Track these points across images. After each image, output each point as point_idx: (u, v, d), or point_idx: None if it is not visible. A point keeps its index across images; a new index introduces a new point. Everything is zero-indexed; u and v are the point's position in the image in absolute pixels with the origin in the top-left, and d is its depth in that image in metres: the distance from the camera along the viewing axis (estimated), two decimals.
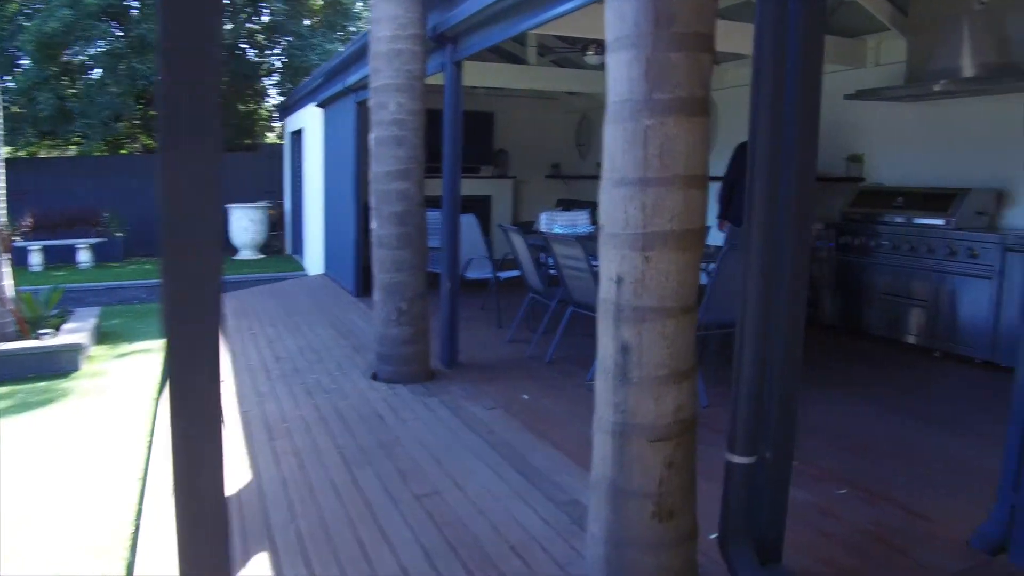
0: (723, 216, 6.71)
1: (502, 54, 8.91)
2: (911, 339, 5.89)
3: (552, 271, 5.62)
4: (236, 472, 3.45)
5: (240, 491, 3.26)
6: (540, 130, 11.17)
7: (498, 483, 3.33)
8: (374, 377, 4.93)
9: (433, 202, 5.35)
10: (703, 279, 4.20)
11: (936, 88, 5.64)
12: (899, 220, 5.98)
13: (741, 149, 6.45)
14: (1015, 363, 5.09)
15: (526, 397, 4.58)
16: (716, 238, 6.77)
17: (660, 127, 2.09)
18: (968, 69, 5.53)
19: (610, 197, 2.19)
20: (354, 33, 17.81)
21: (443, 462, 3.57)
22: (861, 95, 6.13)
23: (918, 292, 5.80)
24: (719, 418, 4.08)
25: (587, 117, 10.80)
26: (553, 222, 6.85)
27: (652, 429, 2.22)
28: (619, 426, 2.25)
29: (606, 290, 2.23)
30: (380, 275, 4.81)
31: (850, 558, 2.76)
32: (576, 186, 11.08)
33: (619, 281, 2.18)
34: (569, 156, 11.22)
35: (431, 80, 5.29)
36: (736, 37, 5.69)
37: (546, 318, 5.65)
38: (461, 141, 5.15)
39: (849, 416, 4.30)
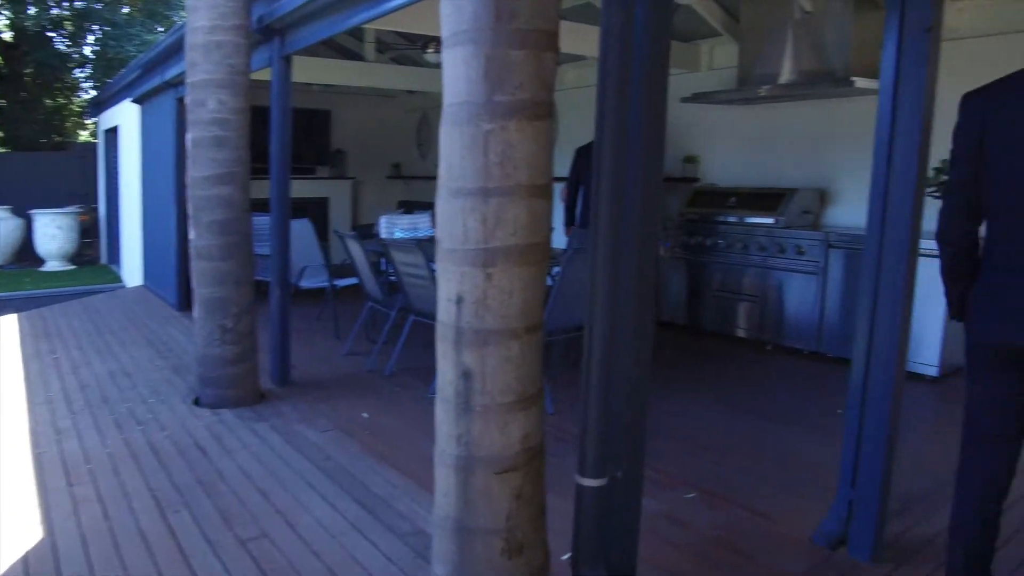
0: (570, 223, 6.67)
1: (338, 50, 8.51)
2: (745, 334, 6.12)
3: (393, 278, 5.35)
4: (23, 530, 2.95)
5: (28, 554, 2.78)
6: (380, 129, 10.80)
7: (334, 517, 3.04)
8: (196, 402, 4.46)
9: (263, 206, 4.94)
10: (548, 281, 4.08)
11: (761, 92, 5.88)
12: (732, 219, 6.19)
13: (582, 152, 6.44)
14: (841, 355, 5.39)
15: (366, 415, 4.30)
16: (559, 241, 6.75)
17: (501, 132, 1.91)
18: (790, 75, 5.79)
19: (448, 208, 1.98)
20: (178, 24, 16.61)
21: (272, 497, 3.23)
22: (696, 98, 6.30)
23: (751, 288, 6.03)
24: (566, 425, 4.00)
25: (427, 116, 10.56)
26: (394, 226, 6.57)
27: (499, 461, 2.04)
28: (462, 460, 2.05)
29: (445, 312, 2.02)
30: (200, 290, 4.35)
31: (700, 568, 2.72)
32: (418, 187, 10.82)
33: (459, 301, 1.97)
34: (410, 156, 10.94)
35: (258, 76, 4.89)
36: (577, 38, 5.66)
37: (386, 328, 5.37)
38: (291, 141, 4.77)
39: (691, 416, 4.35)
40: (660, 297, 6.62)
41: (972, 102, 2.08)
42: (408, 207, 9.35)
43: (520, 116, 1.91)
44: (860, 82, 5.19)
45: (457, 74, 1.96)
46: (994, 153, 2.00)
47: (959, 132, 2.11)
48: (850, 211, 6.00)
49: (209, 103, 4.26)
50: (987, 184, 2.04)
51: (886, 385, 2.66)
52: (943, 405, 4.73)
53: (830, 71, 5.52)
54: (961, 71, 5.08)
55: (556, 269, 4.48)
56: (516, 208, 1.92)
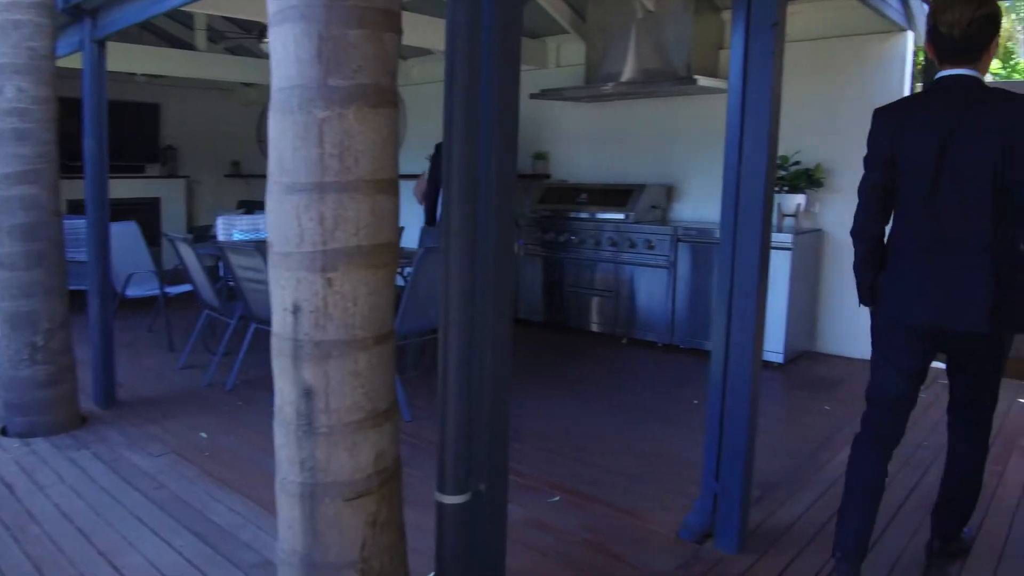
0: (431, 223, 6.42)
1: (166, 38, 7.88)
2: (600, 328, 6.16)
3: (231, 283, 4.96)
4: None
5: None
6: (216, 125, 10.10)
7: (168, 554, 2.71)
8: (3, 432, 3.91)
9: (81, 208, 4.42)
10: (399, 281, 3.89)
11: (605, 89, 5.93)
12: (584, 215, 6.21)
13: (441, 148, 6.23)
14: (692, 346, 5.53)
15: (204, 435, 3.92)
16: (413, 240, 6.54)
17: (339, 120, 1.70)
18: (633, 73, 5.88)
19: (279, 206, 1.75)
20: None
21: (95, 537, 2.84)
22: (545, 94, 6.27)
23: (604, 283, 6.08)
24: (425, 433, 3.82)
25: (267, 110, 9.98)
26: (232, 227, 6.13)
27: (349, 486, 1.83)
28: (308, 487, 1.83)
29: (280, 323, 1.79)
30: (3, 304, 3.81)
31: (568, 573, 2.63)
32: (259, 186, 10.21)
33: (296, 311, 1.75)
34: (250, 153, 10.32)
35: (70, 62, 4.36)
36: (422, 31, 5.47)
37: (226, 337, 4.97)
38: (107, 135, 4.29)
39: (551, 415, 4.28)
40: (515, 295, 6.56)
41: (882, 117, 2.33)
42: (249, 207, 8.80)
43: (360, 103, 1.71)
44: (702, 81, 5.33)
45: (286, 55, 1.73)
46: (901, 161, 2.26)
47: (872, 142, 2.34)
48: (695, 206, 6.18)
49: (7, 91, 3.73)
50: (896, 187, 2.30)
51: (744, 376, 2.67)
52: (791, 391, 4.93)
53: (671, 70, 5.65)
54: (795, 72, 5.39)
55: (407, 270, 4.29)
56: (358, 205, 1.72)
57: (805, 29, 5.31)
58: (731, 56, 2.63)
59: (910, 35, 5.15)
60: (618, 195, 6.12)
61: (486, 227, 2.01)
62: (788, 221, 5.36)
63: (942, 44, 2.23)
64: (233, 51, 8.12)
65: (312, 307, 1.73)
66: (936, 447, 3.75)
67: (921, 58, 5.45)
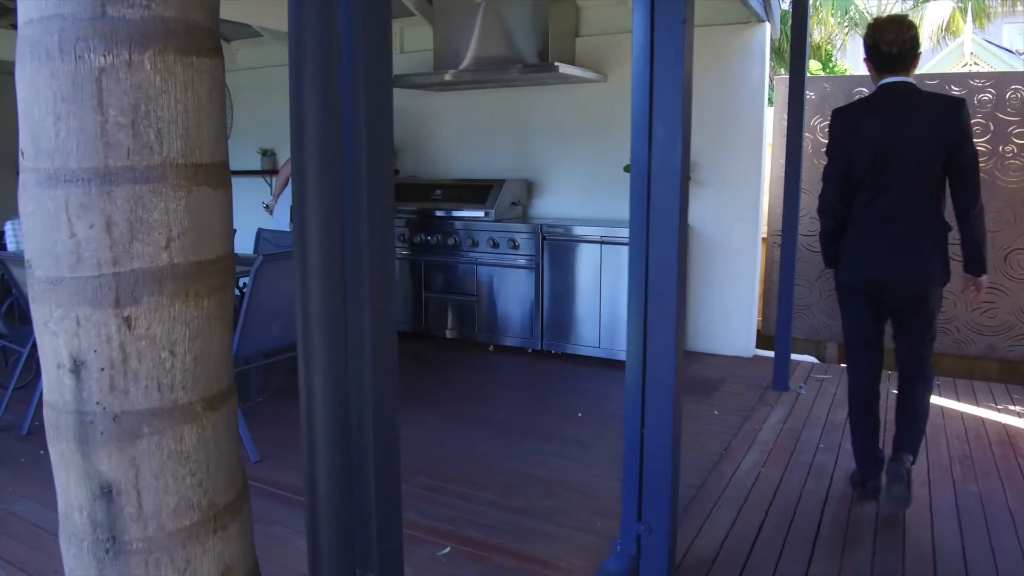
0: None
1: None
2: (463, 335, 5.66)
3: (24, 302, 4.02)
4: None
5: None
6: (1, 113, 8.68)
7: None
8: None
9: None
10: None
11: (447, 78, 5.40)
12: (440, 214, 5.69)
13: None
14: (562, 351, 5.14)
15: None
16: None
17: (128, 71, 1.10)
18: (480, 60, 5.41)
19: (39, 207, 1.13)
20: None
21: None
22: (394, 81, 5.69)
23: (466, 287, 5.58)
24: (277, 476, 3.18)
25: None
26: (21, 235, 5.09)
27: None
28: None
29: (56, 388, 1.16)
30: None
31: None
32: None
33: (78, 369, 1.13)
34: None
35: None
36: (249, 6, 4.77)
37: (18, 368, 4.04)
38: None
39: (426, 440, 3.74)
40: None
41: (840, 117, 2.90)
42: None
43: (161, 45, 1.12)
44: (564, 68, 4.96)
45: None
46: (856, 152, 2.80)
47: (832, 137, 2.90)
48: (555, 201, 5.83)
49: None
50: (851, 172, 2.83)
51: (666, 393, 2.28)
52: None
53: (521, 57, 5.24)
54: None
55: (244, 280, 3.60)
56: (167, 203, 1.13)
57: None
58: (634, 50, 2.24)
59: (767, 26, 5.04)
60: (476, 191, 5.65)
61: (355, 228, 1.45)
62: None
63: (881, 59, 2.79)
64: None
65: (104, 362, 1.12)
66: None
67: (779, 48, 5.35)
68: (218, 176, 1.21)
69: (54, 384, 1.15)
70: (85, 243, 1.10)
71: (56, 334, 1.13)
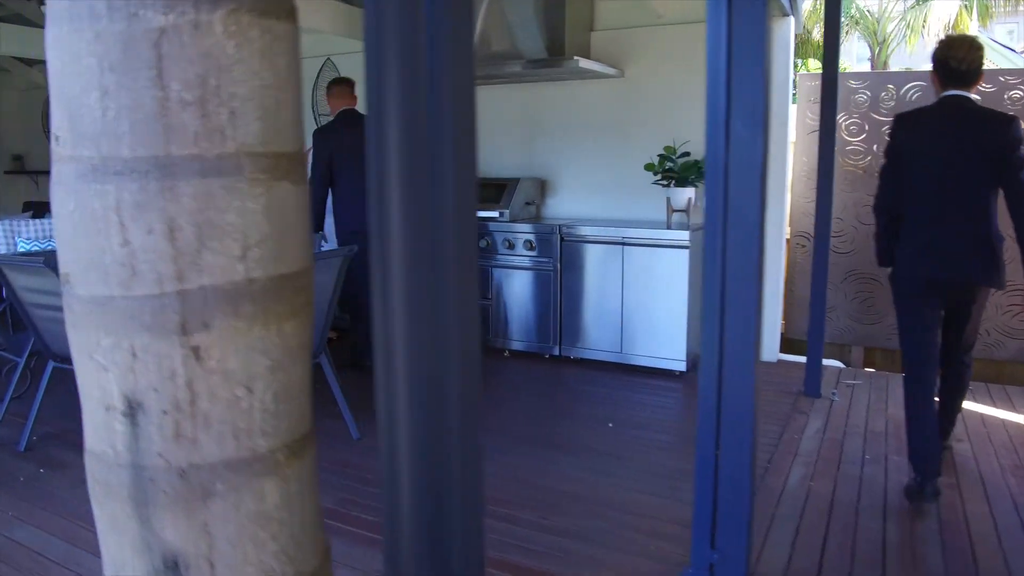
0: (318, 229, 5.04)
1: None
2: (481, 341, 5.43)
3: (19, 309, 3.75)
4: None
5: None
6: None
7: None
8: None
9: None
10: None
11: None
12: None
13: (323, 135, 4.85)
14: (582, 356, 4.91)
15: None
16: None
17: (194, 32, 0.87)
18: (493, 55, 5.15)
19: (82, 205, 0.89)
20: None
21: None
22: None
23: (482, 290, 5.35)
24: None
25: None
26: (16, 235, 4.80)
27: None
28: None
29: (103, 436, 0.93)
30: None
31: None
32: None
33: (133, 413, 0.89)
34: (36, 145, 8.56)
35: None
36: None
37: (14, 380, 3.77)
38: None
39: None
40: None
41: (900, 121, 3.08)
42: (38, 210, 7.16)
43: (237, 4, 0.89)
44: (583, 63, 4.75)
45: None
46: (913, 155, 3.00)
47: (893, 139, 3.08)
48: (569, 201, 5.61)
49: None
50: (907, 174, 3.03)
51: (744, 406, 2.07)
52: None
53: (534, 51, 4.98)
54: (677, 58, 4.96)
55: None
56: (244, 201, 0.90)
57: (683, 12, 4.89)
58: (708, 37, 2.03)
59: (791, 20, 4.85)
60: (489, 190, 5.41)
61: (440, 234, 1.22)
62: (679, 217, 4.90)
63: (949, 73, 2.94)
64: (7, 20, 6.56)
65: (167, 403, 0.88)
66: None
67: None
68: (299, 169, 0.98)
69: (101, 430, 0.92)
70: (142, 253, 0.86)
71: (104, 368, 0.89)
